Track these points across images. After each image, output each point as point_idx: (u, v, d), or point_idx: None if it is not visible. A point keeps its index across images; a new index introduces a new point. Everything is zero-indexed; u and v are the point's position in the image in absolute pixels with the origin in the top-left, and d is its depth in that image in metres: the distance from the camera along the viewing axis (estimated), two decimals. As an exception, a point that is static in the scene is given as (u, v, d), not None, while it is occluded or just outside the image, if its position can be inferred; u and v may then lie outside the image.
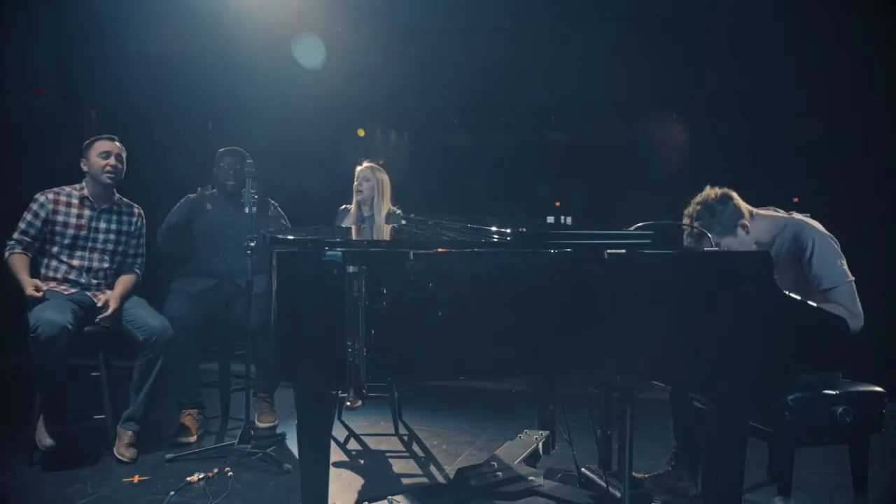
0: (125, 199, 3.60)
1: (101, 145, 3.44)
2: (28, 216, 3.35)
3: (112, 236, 3.49)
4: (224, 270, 3.78)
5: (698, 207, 2.67)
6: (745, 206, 2.68)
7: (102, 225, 3.47)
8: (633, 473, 2.73)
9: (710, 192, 2.67)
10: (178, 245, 3.83)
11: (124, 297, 3.43)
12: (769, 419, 2.36)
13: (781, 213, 2.75)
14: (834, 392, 2.40)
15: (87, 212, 3.44)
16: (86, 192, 3.44)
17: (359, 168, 3.96)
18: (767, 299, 2.09)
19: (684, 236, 2.69)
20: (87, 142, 3.47)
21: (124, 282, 3.49)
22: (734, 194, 2.67)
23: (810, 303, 2.28)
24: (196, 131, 5.72)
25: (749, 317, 2.07)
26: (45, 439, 3.17)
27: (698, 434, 2.19)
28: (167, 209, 3.94)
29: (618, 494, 2.66)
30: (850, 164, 4.59)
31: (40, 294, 3.18)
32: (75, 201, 3.42)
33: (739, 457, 2.15)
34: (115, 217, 3.51)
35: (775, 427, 2.36)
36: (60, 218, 3.38)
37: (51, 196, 3.39)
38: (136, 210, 3.61)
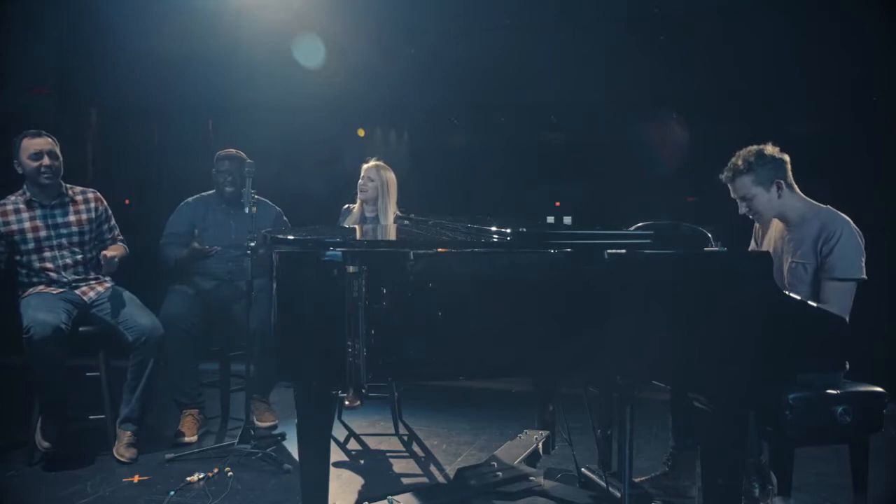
0: (76, 188, 3.47)
1: (30, 145, 3.26)
2: None
3: (74, 228, 3.39)
4: (224, 272, 3.77)
5: (753, 149, 2.73)
6: (791, 178, 2.73)
7: (59, 220, 3.35)
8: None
9: (769, 146, 2.74)
10: (177, 252, 3.77)
11: (120, 256, 3.40)
12: (769, 419, 2.36)
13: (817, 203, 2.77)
14: (834, 392, 2.40)
15: (38, 212, 3.32)
16: (28, 195, 3.32)
17: (365, 166, 3.86)
18: (767, 299, 2.09)
19: (724, 169, 2.77)
20: (14, 140, 3.29)
21: (115, 247, 3.46)
22: (788, 161, 2.73)
23: (810, 303, 2.28)
24: (196, 131, 5.71)
25: (749, 317, 2.07)
26: (44, 441, 3.17)
27: (698, 434, 2.20)
28: (167, 209, 3.94)
29: (618, 494, 2.66)
30: (850, 164, 4.59)
31: None
32: (22, 206, 3.31)
33: (739, 457, 2.16)
34: (70, 208, 3.39)
35: (775, 427, 2.36)
36: (14, 227, 3.27)
37: None
38: (91, 195, 3.48)
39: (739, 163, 2.72)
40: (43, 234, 3.32)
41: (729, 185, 2.79)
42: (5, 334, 3.55)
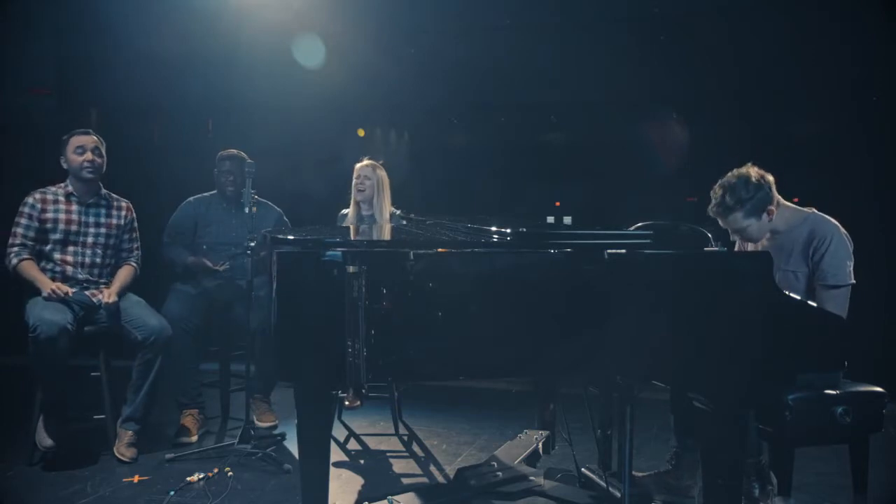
0: (113, 194, 3.59)
1: (76, 140, 3.42)
2: (23, 220, 3.35)
3: (103, 230, 3.48)
4: (226, 270, 3.78)
5: (735, 181, 2.60)
6: (776, 193, 2.66)
7: (92, 219, 3.46)
8: (634, 473, 2.73)
9: (751, 169, 2.62)
10: (183, 255, 3.80)
11: (122, 292, 3.43)
12: (769, 419, 2.36)
13: (802, 209, 2.73)
14: (834, 392, 2.40)
15: (74, 207, 3.44)
16: (70, 188, 3.45)
17: (359, 165, 3.89)
18: (767, 299, 2.09)
19: (711, 204, 2.65)
20: (63, 138, 3.45)
21: (121, 276, 3.50)
22: (772, 180, 2.64)
23: (810, 303, 2.28)
24: (196, 131, 5.72)
25: (749, 317, 2.07)
26: (44, 440, 3.18)
27: (698, 434, 2.20)
28: (167, 209, 3.94)
29: (618, 494, 2.66)
30: (850, 164, 4.59)
31: (63, 293, 3.20)
32: (62, 198, 3.43)
33: (739, 457, 2.15)
34: (103, 211, 3.51)
35: (775, 427, 2.36)
36: (50, 215, 3.38)
37: (38, 196, 3.40)
38: (124, 204, 3.60)
39: (728, 199, 2.58)
40: (74, 228, 3.42)
41: (718, 220, 2.68)
42: (5, 334, 3.56)
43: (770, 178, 2.64)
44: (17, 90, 5.44)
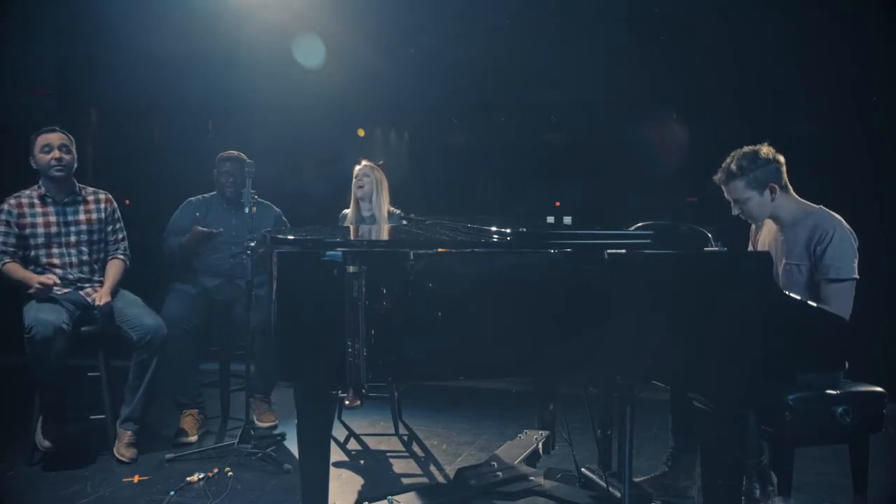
0: (89, 188, 3.53)
1: (42, 139, 3.35)
2: (1, 228, 3.30)
3: (84, 227, 3.43)
4: (226, 269, 3.78)
5: (746, 151, 2.68)
6: (786, 179, 2.69)
7: (70, 217, 3.41)
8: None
9: (765, 147, 2.69)
10: (178, 241, 3.80)
11: (115, 289, 3.41)
12: (769, 419, 2.36)
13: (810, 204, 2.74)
14: (834, 392, 2.40)
15: (51, 208, 3.38)
16: (43, 190, 3.39)
17: (358, 167, 3.95)
18: (767, 299, 2.09)
19: (718, 172, 2.72)
20: (31, 137, 3.38)
21: (111, 273, 3.46)
22: (783, 162, 2.68)
23: (810, 303, 2.28)
24: (196, 131, 5.72)
25: (749, 317, 2.07)
26: (44, 441, 3.17)
27: (698, 434, 2.20)
28: (167, 209, 3.94)
29: (618, 494, 2.66)
30: (850, 164, 4.59)
31: (51, 282, 3.17)
32: (36, 201, 3.37)
33: (739, 457, 2.15)
34: (81, 207, 3.45)
35: (775, 427, 2.36)
36: (27, 220, 3.34)
37: (12, 201, 3.35)
38: (102, 196, 3.54)
39: (733, 166, 2.67)
40: (54, 230, 3.38)
41: (722, 187, 2.75)
42: (5, 334, 3.55)
43: (781, 158, 2.68)
44: (17, 90, 5.44)
